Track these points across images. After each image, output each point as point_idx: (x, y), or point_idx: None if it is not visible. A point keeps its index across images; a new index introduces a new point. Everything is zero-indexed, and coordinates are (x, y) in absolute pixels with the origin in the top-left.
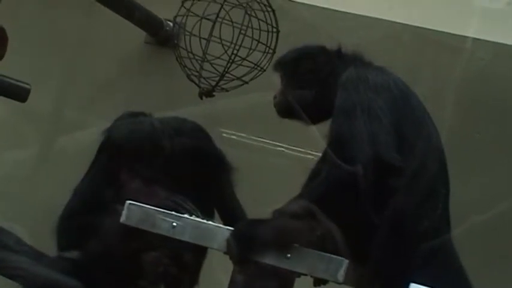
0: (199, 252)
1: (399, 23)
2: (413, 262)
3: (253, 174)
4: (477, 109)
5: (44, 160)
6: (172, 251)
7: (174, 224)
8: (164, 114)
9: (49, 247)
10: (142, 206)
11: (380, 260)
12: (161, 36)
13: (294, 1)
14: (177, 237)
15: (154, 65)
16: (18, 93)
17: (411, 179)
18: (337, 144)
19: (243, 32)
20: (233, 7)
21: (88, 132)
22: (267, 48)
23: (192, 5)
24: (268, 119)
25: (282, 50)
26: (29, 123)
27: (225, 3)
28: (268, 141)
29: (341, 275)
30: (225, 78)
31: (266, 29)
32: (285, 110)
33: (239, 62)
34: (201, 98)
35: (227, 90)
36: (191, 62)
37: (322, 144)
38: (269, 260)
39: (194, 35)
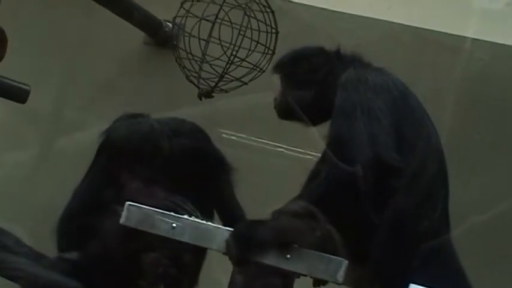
0: (198, 253)
1: (398, 23)
2: (413, 262)
3: (253, 174)
4: (477, 109)
5: (43, 161)
6: (171, 252)
7: (174, 224)
8: (163, 115)
9: (49, 248)
10: (142, 207)
11: (379, 260)
12: (160, 37)
13: (293, 2)
14: (177, 238)
15: (154, 65)
16: (18, 95)
17: (411, 179)
18: (336, 144)
19: (242, 33)
20: (232, 8)
21: (87, 133)
22: (266, 49)
23: (191, 6)
24: (267, 120)
25: (281, 51)
26: (28, 123)
27: (224, 4)
28: (267, 141)
29: (341, 275)
30: (224, 79)
31: (265, 30)
32: (285, 111)
33: (238, 63)
34: (200, 99)
35: (226, 91)
36: (190, 63)
37: (322, 144)
38: (269, 260)
39: (193, 36)
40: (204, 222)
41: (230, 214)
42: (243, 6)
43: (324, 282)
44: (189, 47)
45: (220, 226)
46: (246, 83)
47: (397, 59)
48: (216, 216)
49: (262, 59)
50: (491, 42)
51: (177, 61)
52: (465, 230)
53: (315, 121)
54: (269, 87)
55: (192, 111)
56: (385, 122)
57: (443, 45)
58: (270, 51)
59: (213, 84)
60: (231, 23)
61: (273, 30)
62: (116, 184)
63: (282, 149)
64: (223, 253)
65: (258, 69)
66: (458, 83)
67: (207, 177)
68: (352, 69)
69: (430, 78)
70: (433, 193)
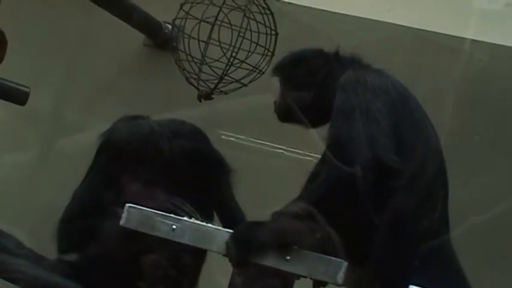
0: (198, 254)
1: (398, 25)
2: (412, 263)
3: (252, 176)
4: (476, 110)
5: (43, 162)
6: (171, 254)
7: (174, 226)
8: (163, 117)
9: (49, 249)
10: (142, 209)
11: (379, 261)
12: (160, 39)
13: (292, 3)
14: (177, 240)
15: (153, 67)
16: (18, 97)
17: (410, 180)
18: (336, 146)
19: (241, 34)
20: (232, 10)
21: (87, 134)
22: (266, 51)
23: (190, 7)
24: (267, 121)
25: (280, 53)
26: (28, 124)
27: (224, 6)
28: (267, 143)
29: (340, 277)
30: (223, 80)
31: (265, 32)
32: (285, 114)
33: (238, 65)
34: (200, 101)
35: (226, 93)
36: (190, 64)
37: (321, 146)
38: (268, 262)
39: (193, 38)
40: (203, 224)
41: (230, 216)
42: (243, 8)
43: (324, 284)
44: (189, 49)
45: (220, 228)
46: (245, 85)
47: (398, 60)
48: (215, 217)
49: (261, 60)
50: (490, 43)
51: (176, 63)
52: (465, 230)
53: (315, 123)
54: (268, 89)
55: (191, 112)
56: (384, 123)
57: (443, 47)
58: (270, 53)
59: (212, 85)
60: (231, 24)
61: (273, 32)
62: (116, 186)
63: (281, 151)
64: (223, 255)
65: (258, 70)
66: (458, 83)
67: (206, 179)
68: (351, 70)
69: (430, 79)
70: (433, 194)
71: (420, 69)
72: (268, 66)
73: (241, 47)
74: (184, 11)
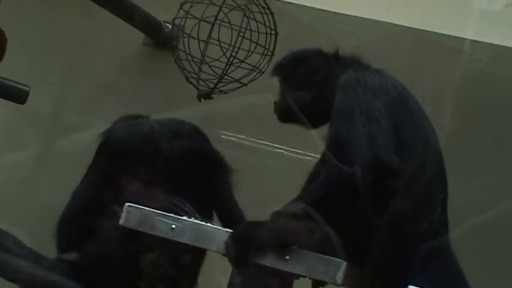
0: (197, 254)
1: (398, 25)
2: (412, 264)
3: (252, 176)
4: (476, 110)
5: (43, 161)
6: (171, 253)
7: (173, 226)
8: (162, 116)
9: (48, 248)
10: (141, 208)
11: (378, 261)
12: (160, 38)
13: (292, 3)
14: (176, 239)
15: (153, 66)
16: (17, 96)
17: (409, 180)
18: (335, 146)
19: (241, 34)
20: (232, 9)
21: (87, 133)
22: (266, 51)
23: (190, 7)
24: (267, 121)
25: (280, 52)
26: (28, 124)
27: (224, 5)
28: (267, 143)
29: (340, 277)
30: (223, 80)
31: (265, 31)
32: (285, 114)
33: (238, 64)
34: (200, 100)
35: (226, 93)
36: (190, 64)
37: (321, 146)
38: (268, 262)
39: (193, 37)
40: (203, 223)
41: (229, 215)
42: (243, 7)
43: (323, 284)
44: (189, 48)
45: (220, 227)
46: (245, 84)
47: (397, 60)
48: (215, 217)
49: (261, 60)
50: (490, 44)
51: (176, 62)
52: (465, 230)
53: (315, 123)
54: (268, 89)
55: (191, 112)
56: (384, 123)
57: (443, 47)
58: (270, 53)
59: (212, 85)
60: (231, 24)
61: (273, 32)
62: (115, 185)
63: (281, 150)
64: (223, 254)
65: (258, 70)
66: (457, 84)
67: (206, 179)
68: (351, 70)
69: (429, 79)
70: (432, 194)
71: (420, 69)
72: (268, 66)
73: (241, 47)
74: (184, 10)
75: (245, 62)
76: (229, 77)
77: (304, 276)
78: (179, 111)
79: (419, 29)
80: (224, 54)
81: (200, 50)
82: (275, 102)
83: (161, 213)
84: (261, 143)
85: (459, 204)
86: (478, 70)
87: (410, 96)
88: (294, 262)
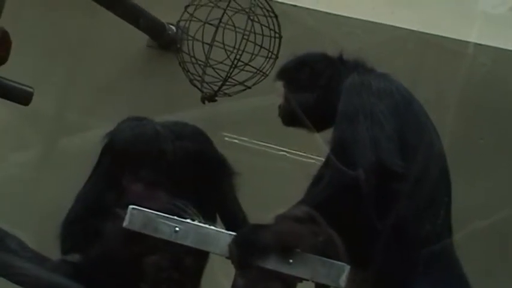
0: (200, 256)
1: (401, 27)
2: (415, 267)
3: (255, 178)
4: (480, 114)
5: (46, 162)
6: (174, 256)
7: (177, 228)
8: (166, 118)
9: (52, 249)
10: (145, 211)
11: (382, 265)
12: (163, 40)
13: (296, 6)
14: (180, 242)
15: (157, 68)
16: (22, 97)
17: (413, 184)
18: (339, 149)
19: (245, 37)
20: (236, 12)
21: (90, 135)
22: (270, 54)
23: (195, 10)
24: (270, 123)
25: (284, 55)
26: (31, 125)
27: (228, 8)
28: (270, 145)
29: (343, 280)
30: (227, 83)
31: (269, 34)
32: (290, 118)
33: (242, 67)
34: (204, 103)
35: (230, 95)
36: (194, 66)
37: (325, 148)
38: (271, 265)
39: (197, 40)
40: (206, 226)
41: (232, 218)
42: (247, 10)
43: (326, 287)
44: (193, 51)
45: (223, 230)
46: (249, 87)
47: (400, 63)
48: (218, 219)
49: (265, 63)
50: (494, 47)
51: (180, 65)
52: (469, 234)
53: (319, 127)
54: (272, 91)
55: (194, 114)
56: (388, 127)
57: (446, 50)
58: (274, 56)
59: (216, 88)
60: (235, 27)
61: (277, 35)
62: (119, 187)
63: (284, 153)
64: (226, 257)
65: (262, 73)
66: (461, 87)
67: (209, 181)
68: (355, 74)
69: (433, 82)
70: (436, 198)
71: (423, 72)
72: (272, 69)
73: (245, 50)
74: (188, 13)
75: (249, 65)
76: (233, 79)
77: (308, 280)
78: (183, 114)
79: (422, 32)
80: (228, 57)
81: (204, 53)
82: (279, 106)
83: (165, 216)
84: (264, 146)
85: (463, 207)
86: (481, 73)
87: (414, 100)
88: (297, 265)
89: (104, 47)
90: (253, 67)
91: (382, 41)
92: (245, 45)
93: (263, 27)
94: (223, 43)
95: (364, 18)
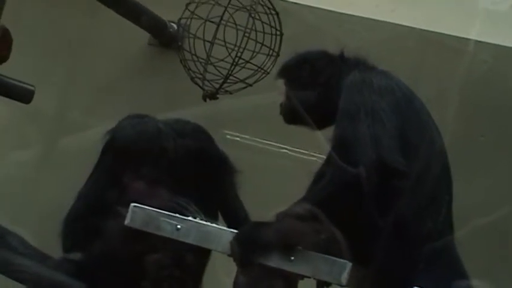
0: (202, 254)
1: (403, 25)
2: (417, 265)
3: (257, 176)
4: (481, 111)
5: (47, 161)
6: (175, 253)
7: (178, 226)
8: (167, 116)
9: (53, 248)
10: (147, 209)
11: (383, 262)
12: (165, 38)
13: (297, 3)
14: (181, 240)
15: (158, 66)
16: (23, 95)
17: (414, 182)
18: (341, 147)
19: (247, 34)
20: (237, 10)
21: (91, 133)
22: (271, 51)
23: (196, 7)
24: (272, 121)
25: (285, 53)
26: (32, 124)
27: (229, 6)
28: (272, 143)
29: (344, 277)
30: (228, 80)
31: (270, 32)
32: (291, 116)
33: (243, 65)
34: (205, 101)
35: (231, 93)
36: (195, 64)
37: (326, 146)
38: (273, 262)
39: (198, 38)
40: (208, 223)
41: (234, 215)
42: (248, 8)
43: (328, 284)
44: (194, 49)
45: (225, 228)
46: (250, 85)
47: (402, 60)
48: (220, 217)
49: (266, 60)
50: (495, 44)
51: (181, 62)
52: (469, 232)
53: (320, 125)
54: (273, 89)
55: (196, 112)
56: (389, 124)
57: (448, 47)
58: (275, 53)
59: (217, 85)
60: (236, 24)
61: (278, 32)
62: (121, 185)
63: (286, 150)
64: (228, 255)
65: (263, 71)
66: (462, 84)
67: (211, 179)
68: (356, 72)
69: (434, 79)
70: (437, 196)
71: (424, 69)
72: (273, 67)
73: (247, 47)
74: (189, 10)
75: (250, 63)
76: (235, 77)
77: (309, 277)
78: (184, 111)
79: (424, 30)
80: (229, 54)
81: (205, 51)
82: (281, 104)
83: (166, 214)
84: (266, 143)
85: (463, 205)
86: (482, 71)
87: (415, 98)
88: (299, 263)
89: (105, 45)
90: (254, 65)
91: (383, 38)
92: (246, 43)
93: (264, 25)
94: (224, 41)
95: (366, 16)
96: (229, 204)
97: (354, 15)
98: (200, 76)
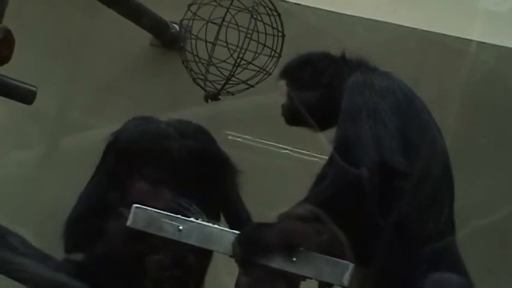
0: (204, 255)
1: (404, 26)
2: (418, 266)
3: (259, 176)
4: (482, 112)
5: (48, 161)
6: (177, 254)
7: (180, 227)
8: (169, 117)
9: (54, 248)
10: (149, 210)
11: (385, 263)
12: (167, 39)
13: (299, 4)
14: (183, 241)
15: (160, 67)
16: (25, 96)
17: (416, 183)
18: (342, 148)
19: (248, 35)
20: (239, 11)
21: (92, 134)
22: (273, 52)
23: (198, 8)
24: (273, 122)
25: (287, 54)
26: (33, 124)
27: (231, 7)
28: (273, 143)
29: (346, 278)
30: (230, 81)
31: (272, 33)
32: (293, 117)
33: (245, 66)
34: (207, 102)
35: (233, 94)
36: (197, 65)
37: (328, 147)
38: (275, 263)
39: (200, 39)
40: (210, 224)
41: (236, 216)
42: (250, 9)
43: (330, 285)
44: (196, 50)
45: (227, 229)
46: (252, 86)
47: (403, 61)
48: (222, 218)
49: (268, 61)
50: (496, 45)
51: (183, 63)
52: (470, 232)
53: (322, 126)
54: (275, 90)
55: (198, 113)
56: (391, 125)
57: (449, 48)
58: (277, 54)
59: (219, 86)
60: (238, 25)
61: (280, 33)
62: (123, 186)
63: (287, 151)
64: (230, 256)
65: (265, 72)
66: (463, 85)
67: (212, 179)
68: (358, 73)
69: (435, 80)
70: (439, 196)
71: (425, 70)
72: (275, 68)
73: (248, 48)
74: (191, 11)
75: (252, 64)
76: (237, 78)
77: (311, 278)
78: (186, 112)
79: (425, 30)
80: (231, 55)
81: (207, 52)
82: (283, 105)
83: (168, 215)
84: (268, 144)
85: (465, 206)
86: (484, 71)
87: (417, 99)
88: (301, 264)
89: (107, 46)
90: (256, 66)
91: (384, 39)
92: (248, 44)
93: (266, 26)
94: (226, 42)
95: (367, 17)
96: (231, 205)
97: (354, 16)
98: (202, 77)
